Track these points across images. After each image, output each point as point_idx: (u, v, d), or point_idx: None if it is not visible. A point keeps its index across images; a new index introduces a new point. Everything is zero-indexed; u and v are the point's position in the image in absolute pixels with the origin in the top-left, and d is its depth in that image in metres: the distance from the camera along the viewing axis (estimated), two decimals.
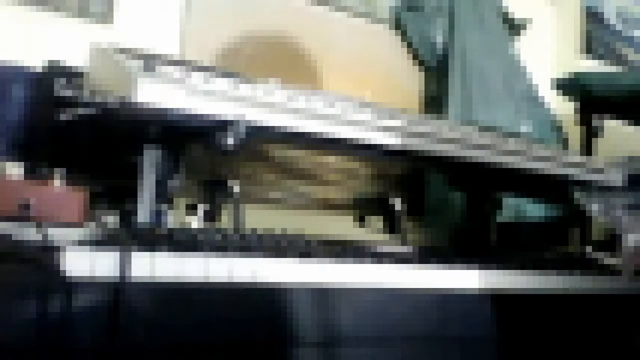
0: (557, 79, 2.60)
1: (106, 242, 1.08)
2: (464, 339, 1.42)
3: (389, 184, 2.12)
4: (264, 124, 1.37)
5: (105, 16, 1.91)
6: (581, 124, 2.59)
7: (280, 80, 1.53)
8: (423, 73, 2.49)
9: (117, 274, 1.03)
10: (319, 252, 1.29)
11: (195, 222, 1.49)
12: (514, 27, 2.67)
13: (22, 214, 1.18)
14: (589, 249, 1.93)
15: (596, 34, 3.19)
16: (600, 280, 1.67)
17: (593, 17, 3.18)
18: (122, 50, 1.41)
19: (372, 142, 1.53)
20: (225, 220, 1.52)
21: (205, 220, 1.51)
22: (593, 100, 2.54)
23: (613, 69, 3.20)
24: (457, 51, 2.45)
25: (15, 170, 1.32)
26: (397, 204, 1.86)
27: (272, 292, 1.20)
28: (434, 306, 1.37)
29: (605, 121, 2.58)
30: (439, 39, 2.48)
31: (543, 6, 3.07)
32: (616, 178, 1.95)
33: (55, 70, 1.47)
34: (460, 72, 2.43)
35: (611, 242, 1.86)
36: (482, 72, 2.46)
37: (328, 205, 2.09)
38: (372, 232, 1.89)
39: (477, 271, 1.44)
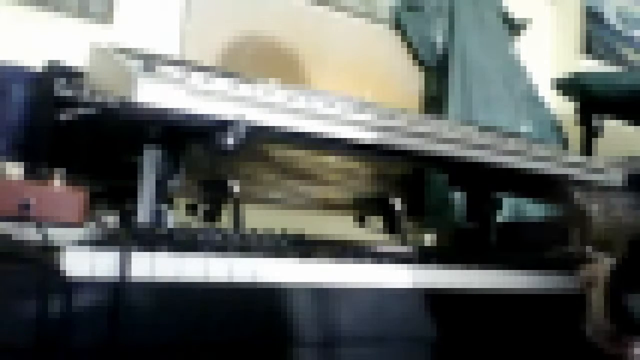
0: (557, 79, 2.60)
1: (106, 242, 1.08)
2: (464, 339, 1.42)
3: (389, 184, 2.12)
4: (264, 124, 1.37)
5: (105, 16, 1.91)
6: (581, 124, 2.59)
7: (280, 80, 1.53)
8: (423, 73, 2.49)
9: (117, 274, 1.03)
10: (319, 252, 1.29)
11: (195, 222, 1.49)
12: (514, 27, 2.68)
13: (22, 214, 1.18)
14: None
15: (596, 34, 3.19)
16: None
17: (593, 17, 3.18)
18: (122, 50, 1.41)
19: (372, 142, 1.53)
20: (225, 220, 1.52)
21: (205, 220, 1.51)
22: (593, 100, 2.54)
23: (613, 69, 3.20)
24: (457, 51, 2.45)
25: (15, 170, 1.31)
26: (397, 204, 1.86)
27: (272, 292, 1.20)
28: (434, 306, 1.37)
29: (605, 121, 2.58)
30: (439, 39, 2.48)
31: (543, 6, 3.07)
32: (616, 178, 1.94)
33: (55, 70, 1.47)
34: (460, 72, 2.43)
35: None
36: (482, 72, 2.47)
37: (328, 205, 2.09)
38: (372, 232, 1.89)
39: (477, 271, 1.44)
